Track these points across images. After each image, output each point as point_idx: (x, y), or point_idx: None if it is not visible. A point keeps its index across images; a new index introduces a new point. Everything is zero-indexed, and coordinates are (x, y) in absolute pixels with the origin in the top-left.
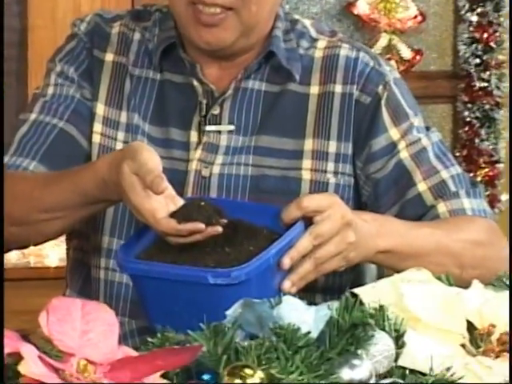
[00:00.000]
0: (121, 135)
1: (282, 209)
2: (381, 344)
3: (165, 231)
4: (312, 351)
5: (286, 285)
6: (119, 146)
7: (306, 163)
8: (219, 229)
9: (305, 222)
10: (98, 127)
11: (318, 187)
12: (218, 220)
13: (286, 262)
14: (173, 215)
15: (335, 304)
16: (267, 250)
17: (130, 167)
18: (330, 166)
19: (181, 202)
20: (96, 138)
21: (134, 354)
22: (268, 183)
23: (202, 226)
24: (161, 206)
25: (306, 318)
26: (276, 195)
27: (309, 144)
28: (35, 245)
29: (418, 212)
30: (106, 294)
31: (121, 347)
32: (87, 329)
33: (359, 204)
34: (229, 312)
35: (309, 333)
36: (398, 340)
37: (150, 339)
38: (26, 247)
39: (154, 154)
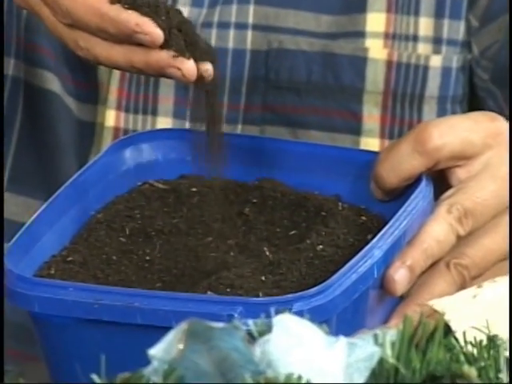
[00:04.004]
0: None
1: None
2: None
3: (87, 21)
4: None
5: (395, 322)
6: None
7: (373, 21)
8: (190, 65)
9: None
10: None
11: (407, 77)
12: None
13: (400, 278)
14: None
15: (389, 334)
16: (365, 258)
17: None
18: (426, 27)
19: None
20: None
21: None
22: (293, 68)
23: (149, 23)
24: None
25: (326, 362)
26: (313, 97)
27: None
28: None
29: None
30: None
31: None
32: None
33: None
34: (155, 350)
35: None
36: None
37: None
38: None
39: None
